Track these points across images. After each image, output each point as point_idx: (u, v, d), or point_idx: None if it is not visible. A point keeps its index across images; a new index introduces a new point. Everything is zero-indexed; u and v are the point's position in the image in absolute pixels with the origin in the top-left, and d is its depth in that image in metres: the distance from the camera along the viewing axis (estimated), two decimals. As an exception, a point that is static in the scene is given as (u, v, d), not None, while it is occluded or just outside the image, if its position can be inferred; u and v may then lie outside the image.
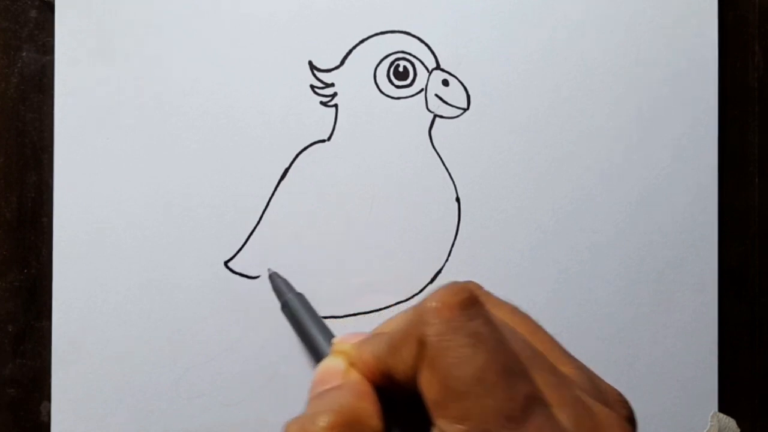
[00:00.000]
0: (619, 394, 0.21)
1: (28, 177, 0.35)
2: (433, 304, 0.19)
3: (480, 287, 0.21)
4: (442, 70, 0.36)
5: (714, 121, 0.37)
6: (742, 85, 0.39)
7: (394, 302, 0.36)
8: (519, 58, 0.37)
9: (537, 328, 0.22)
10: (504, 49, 0.37)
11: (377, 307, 0.36)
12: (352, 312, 0.36)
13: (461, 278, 0.36)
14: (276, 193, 0.35)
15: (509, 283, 0.36)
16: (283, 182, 0.35)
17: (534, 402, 0.18)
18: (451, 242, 0.36)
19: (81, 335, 0.34)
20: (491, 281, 0.36)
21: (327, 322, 0.35)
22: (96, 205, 0.35)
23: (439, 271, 0.36)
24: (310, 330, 0.31)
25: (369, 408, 0.21)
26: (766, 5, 0.39)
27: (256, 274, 0.35)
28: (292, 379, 0.35)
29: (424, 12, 0.36)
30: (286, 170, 0.36)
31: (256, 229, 0.35)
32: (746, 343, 0.38)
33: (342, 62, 0.36)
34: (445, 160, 0.36)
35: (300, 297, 0.34)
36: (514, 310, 0.22)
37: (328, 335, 0.30)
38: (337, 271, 0.35)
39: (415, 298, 0.36)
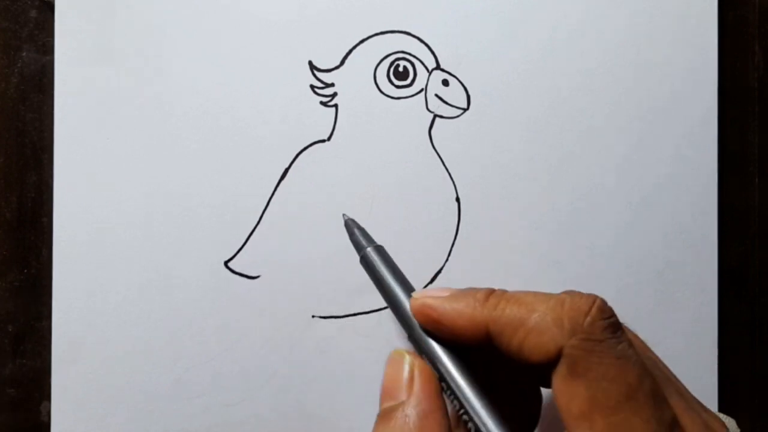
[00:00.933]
0: (723, 424, 0.22)
1: (28, 177, 0.35)
2: (588, 320, 0.20)
3: None
4: (442, 70, 0.36)
5: (714, 121, 0.37)
6: (742, 85, 0.39)
7: (394, 302, 0.36)
8: (519, 58, 0.37)
9: (656, 356, 0.23)
10: (504, 49, 0.37)
11: (377, 307, 0.36)
12: (352, 312, 0.36)
13: (461, 278, 0.36)
14: (276, 193, 0.35)
15: (509, 283, 0.36)
16: (283, 182, 0.35)
17: (676, 428, 0.19)
18: (451, 242, 0.36)
19: (81, 335, 0.34)
20: (491, 281, 0.36)
21: (326, 322, 0.35)
22: (96, 205, 0.35)
23: (439, 271, 0.36)
24: (390, 285, 0.29)
25: (434, 428, 0.22)
26: (766, 5, 0.39)
27: (256, 274, 0.35)
28: (292, 379, 0.35)
29: (424, 12, 0.36)
30: (286, 170, 0.36)
31: (256, 229, 0.35)
32: (746, 343, 0.38)
33: (342, 62, 0.36)
34: (445, 160, 0.36)
35: (379, 249, 0.30)
36: (637, 337, 0.24)
37: (409, 289, 0.28)
38: (337, 271, 0.35)
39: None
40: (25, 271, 0.35)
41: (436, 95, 0.36)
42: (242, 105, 0.35)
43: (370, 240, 0.31)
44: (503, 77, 0.37)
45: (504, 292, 0.23)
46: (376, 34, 0.36)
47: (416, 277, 0.36)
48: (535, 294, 0.22)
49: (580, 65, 0.37)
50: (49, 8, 0.35)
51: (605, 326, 0.20)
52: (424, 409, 0.22)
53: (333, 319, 0.35)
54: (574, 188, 0.37)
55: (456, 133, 0.36)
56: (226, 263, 0.35)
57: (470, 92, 0.36)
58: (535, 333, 0.21)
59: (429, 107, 0.36)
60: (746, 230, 0.39)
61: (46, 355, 0.35)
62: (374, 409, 0.24)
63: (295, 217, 0.35)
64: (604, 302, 0.21)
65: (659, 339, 0.37)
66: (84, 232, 0.35)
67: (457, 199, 0.36)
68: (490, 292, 0.23)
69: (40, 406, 0.35)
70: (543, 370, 0.21)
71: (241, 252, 0.35)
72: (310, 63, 0.36)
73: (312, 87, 0.36)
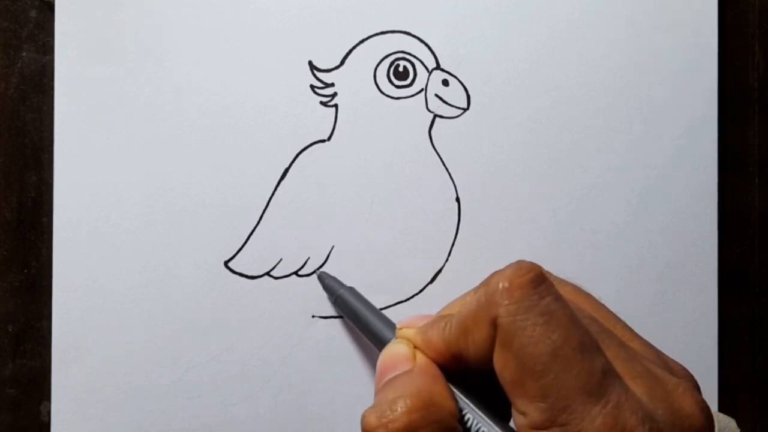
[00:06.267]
0: (684, 368, 0.21)
1: (28, 177, 0.35)
2: (504, 284, 0.19)
3: (542, 268, 0.21)
4: (442, 70, 0.36)
5: (714, 121, 0.37)
6: (742, 85, 0.39)
7: (394, 302, 0.36)
8: (519, 58, 0.37)
9: (600, 306, 0.23)
10: (504, 49, 0.37)
11: (377, 308, 0.35)
12: (352, 312, 0.36)
13: (461, 278, 0.36)
14: (276, 193, 0.35)
15: (509, 283, 0.36)
16: (283, 182, 0.35)
17: (610, 375, 0.18)
18: (451, 242, 0.36)
19: (81, 335, 0.34)
20: (491, 281, 0.36)
21: (326, 322, 0.35)
22: (96, 205, 0.35)
23: (439, 271, 0.36)
24: (369, 319, 0.31)
25: (443, 391, 0.21)
26: (766, 5, 0.39)
27: (256, 274, 0.35)
28: (292, 379, 0.35)
29: (424, 12, 0.36)
30: (286, 170, 0.36)
31: (256, 229, 0.35)
32: (746, 343, 0.38)
33: (342, 62, 0.36)
34: (445, 160, 0.36)
35: (352, 290, 0.34)
36: (577, 289, 0.23)
37: (389, 322, 0.30)
38: (337, 272, 0.35)
39: (415, 298, 0.36)
40: (25, 271, 0.35)
41: (436, 95, 0.36)
42: (242, 105, 0.35)
43: (341, 284, 0.34)
44: (503, 77, 0.37)
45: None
46: (376, 34, 0.36)
47: (416, 277, 0.36)
48: (466, 293, 0.21)
49: (580, 65, 0.37)
50: (49, 8, 0.35)
51: (523, 284, 0.19)
52: (432, 373, 0.21)
53: (333, 319, 0.35)
54: (574, 188, 0.37)
55: (456, 133, 0.36)
56: (226, 263, 0.35)
57: (470, 92, 0.36)
58: (474, 328, 0.20)
59: (429, 107, 0.36)
60: (746, 230, 0.39)
61: (46, 355, 0.35)
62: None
63: (295, 218, 0.35)
64: (522, 262, 0.20)
65: (659, 339, 0.37)
66: (84, 232, 0.35)
67: (457, 199, 0.36)
68: (443, 316, 0.23)
69: (40, 406, 0.35)
70: None
71: (241, 252, 0.35)
72: (310, 63, 0.36)
73: (312, 87, 0.36)
